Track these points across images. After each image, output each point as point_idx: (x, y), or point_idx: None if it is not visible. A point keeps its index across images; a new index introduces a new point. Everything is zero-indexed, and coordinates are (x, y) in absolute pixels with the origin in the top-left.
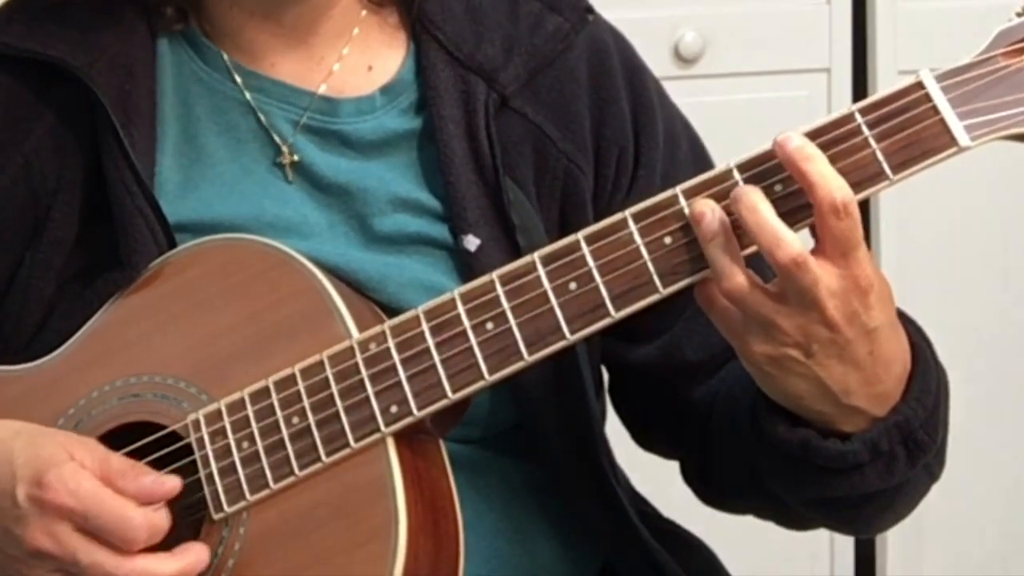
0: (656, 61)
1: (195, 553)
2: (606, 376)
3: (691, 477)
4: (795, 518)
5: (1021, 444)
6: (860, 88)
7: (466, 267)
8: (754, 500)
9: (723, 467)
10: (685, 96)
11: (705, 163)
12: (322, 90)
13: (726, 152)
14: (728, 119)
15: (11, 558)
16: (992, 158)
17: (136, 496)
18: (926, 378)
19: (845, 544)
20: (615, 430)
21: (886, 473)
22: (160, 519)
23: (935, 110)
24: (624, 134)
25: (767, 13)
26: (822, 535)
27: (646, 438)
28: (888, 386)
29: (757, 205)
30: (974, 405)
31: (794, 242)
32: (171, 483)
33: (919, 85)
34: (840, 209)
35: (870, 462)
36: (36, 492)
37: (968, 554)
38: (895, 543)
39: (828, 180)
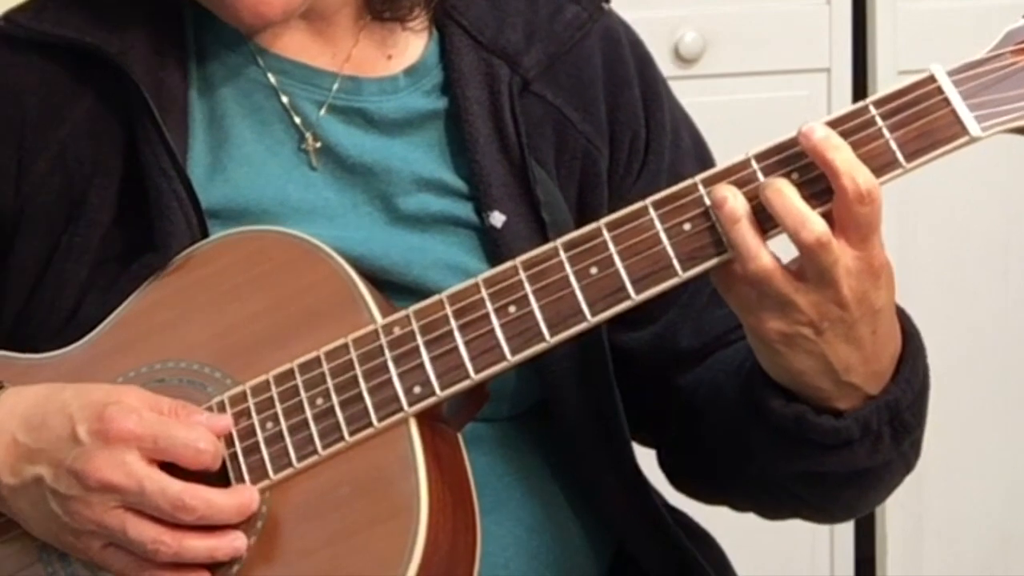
0: (656, 61)
1: (248, 492)
2: None
3: (665, 463)
4: (768, 504)
5: (1021, 444)
6: (860, 88)
7: (492, 244)
8: (727, 487)
9: (698, 454)
10: (685, 96)
11: (706, 158)
12: (346, 69)
13: (727, 152)
14: (728, 119)
15: (69, 499)
16: (993, 156)
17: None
18: (916, 361)
19: (845, 544)
20: None
21: (872, 451)
22: (221, 446)
23: (947, 102)
24: (637, 119)
25: (767, 13)
26: (822, 535)
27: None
28: (884, 365)
29: (783, 188)
30: (974, 405)
31: (819, 223)
32: (224, 420)
33: (931, 79)
34: (865, 196)
35: (859, 439)
36: (99, 426)
37: (968, 554)
38: (895, 543)
39: (853, 168)
